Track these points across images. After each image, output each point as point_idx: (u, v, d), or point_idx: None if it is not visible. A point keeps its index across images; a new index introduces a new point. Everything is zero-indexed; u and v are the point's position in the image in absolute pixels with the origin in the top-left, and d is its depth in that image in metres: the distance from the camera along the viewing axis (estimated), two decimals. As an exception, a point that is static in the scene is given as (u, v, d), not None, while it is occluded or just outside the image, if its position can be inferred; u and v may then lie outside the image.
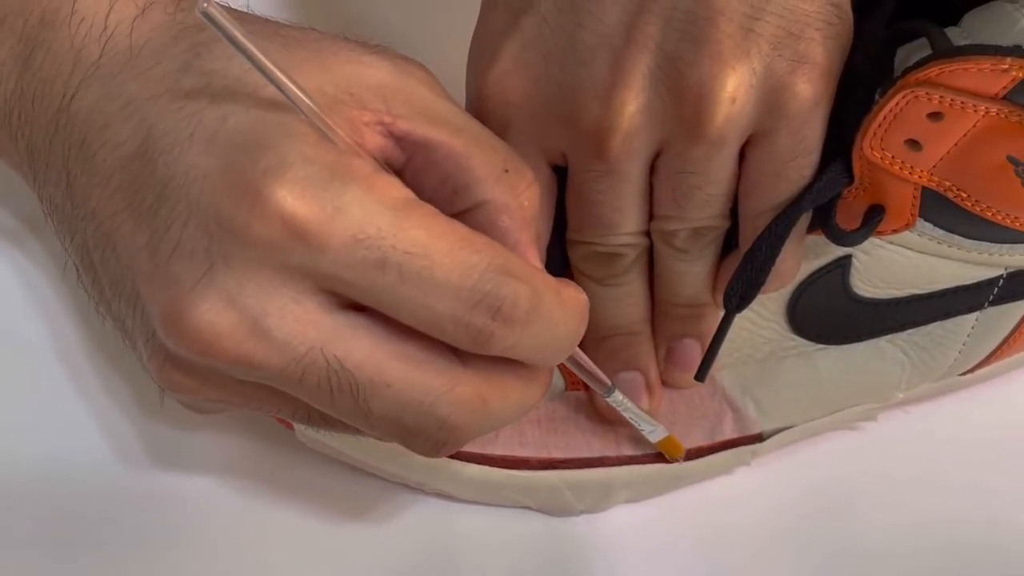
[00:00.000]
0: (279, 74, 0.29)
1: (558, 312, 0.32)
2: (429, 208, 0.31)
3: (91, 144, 0.32)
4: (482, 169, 0.32)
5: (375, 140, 0.32)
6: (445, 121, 0.33)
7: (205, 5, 0.28)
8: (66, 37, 0.34)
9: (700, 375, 0.38)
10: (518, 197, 0.33)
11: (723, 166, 0.35)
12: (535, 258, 0.33)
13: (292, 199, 0.29)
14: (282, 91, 0.30)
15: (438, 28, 0.39)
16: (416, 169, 0.32)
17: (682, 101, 0.34)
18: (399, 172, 0.33)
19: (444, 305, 0.30)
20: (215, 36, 0.29)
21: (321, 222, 0.29)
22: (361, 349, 0.31)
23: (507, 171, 0.33)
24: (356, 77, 0.32)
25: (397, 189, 0.31)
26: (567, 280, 0.33)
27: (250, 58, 0.29)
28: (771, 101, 0.34)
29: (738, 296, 0.36)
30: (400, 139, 0.32)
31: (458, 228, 0.31)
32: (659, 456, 0.40)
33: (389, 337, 0.31)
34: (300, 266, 0.30)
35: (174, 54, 0.32)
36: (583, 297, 0.33)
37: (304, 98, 0.30)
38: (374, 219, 0.30)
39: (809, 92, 0.34)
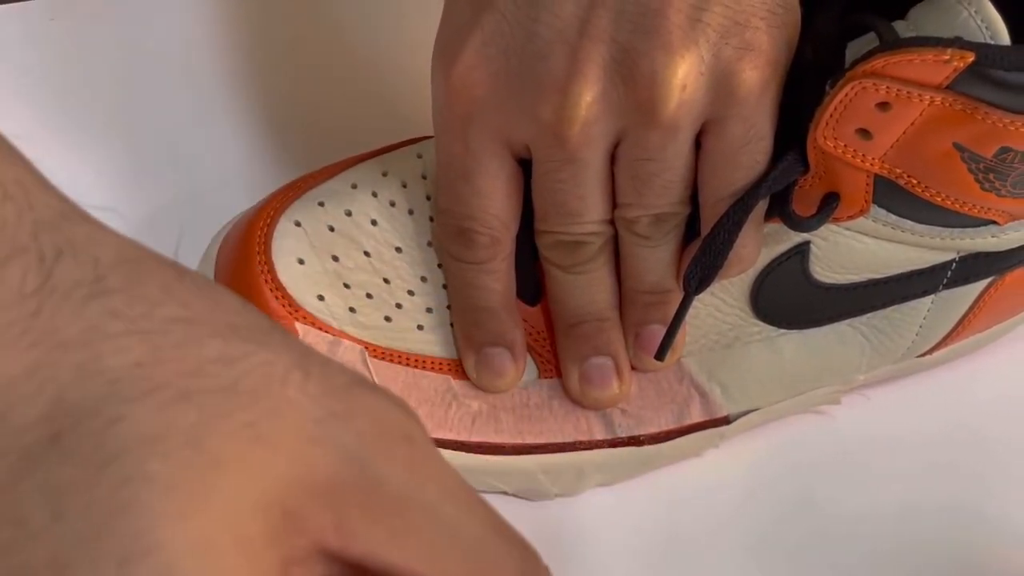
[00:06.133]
0: None
1: None
2: None
3: None
4: None
5: None
6: (426, 532, 0.24)
7: None
8: None
9: (660, 355, 0.39)
10: None
11: (679, 153, 0.37)
12: None
13: None
14: None
15: (421, 31, 0.40)
16: None
17: (636, 89, 0.35)
18: None
19: None
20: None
21: None
22: None
23: None
24: (298, 469, 0.23)
25: None
26: None
27: None
28: (721, 88, 0.35)
29: (697, 279, 0.37)
30: (352, 566, 0.23)
31: None
32: (631, 440, 0.41)
33: None
34: None
35: (24, 414, 0.22)
36: None
37: None
38: None
39: (756, 78, 0.35)
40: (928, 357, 0.44)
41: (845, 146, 0.36)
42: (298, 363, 0.24)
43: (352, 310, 0.40)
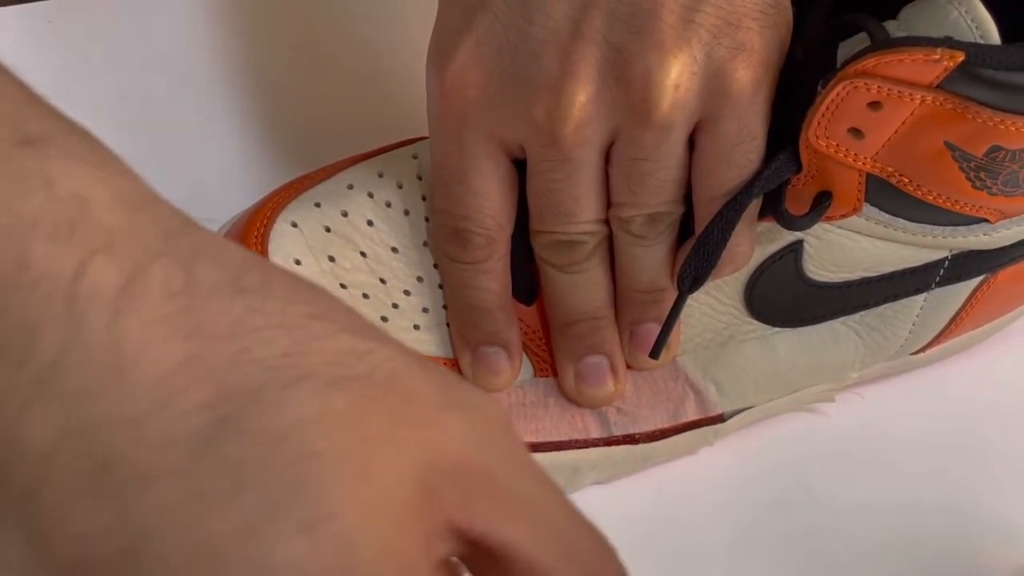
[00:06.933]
0: None
1: None
2: None
3: (41, 521, 0.23)
4: None
5: (441, 550, 0.25)
6: (530, 516, 0.26)
7: None
8: (19, 306, 0.23)
9: (655, 353, 0.39)
10: None
11: (672, 152, 0.37)
12: None
13: None
14: None
15: (417, 32, 0.40)
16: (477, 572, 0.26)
17: (630, 89, 0.35)
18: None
19: None
20: (252, 382, 0.23)
21: None
22: None
23: None
24: (434, 452, 0.25)
25: None
26: None
27: None
28: (713, 87, 0.36)
29: (691, 278, 0.38)
30: (470, 542, 0.25)
31: None
32: (626, 438, 0.42)
33: None
34: None
35: (188, 400, 0.23)
36: None
37: None
38: None
39: (748, 77, 0.35)
40: (921, 355, 0.44)
41: (837, 145, 0.36)
42: (414, 360, 0.26)
43: (349, 310, 0.40)
